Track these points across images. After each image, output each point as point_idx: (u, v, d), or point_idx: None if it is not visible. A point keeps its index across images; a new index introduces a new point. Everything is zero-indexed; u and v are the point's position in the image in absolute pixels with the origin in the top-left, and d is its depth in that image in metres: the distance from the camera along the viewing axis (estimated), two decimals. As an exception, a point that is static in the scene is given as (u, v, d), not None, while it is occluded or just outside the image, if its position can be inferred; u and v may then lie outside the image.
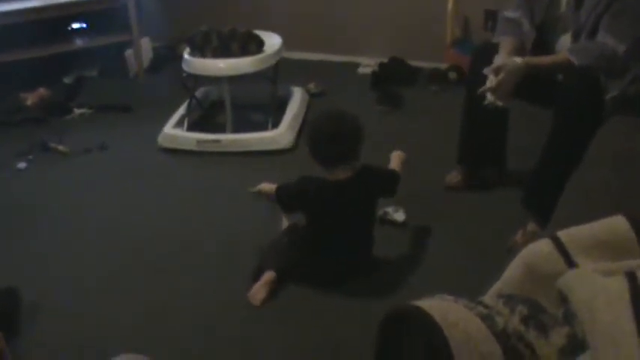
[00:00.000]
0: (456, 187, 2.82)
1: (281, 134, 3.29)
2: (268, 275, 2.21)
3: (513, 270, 1.36)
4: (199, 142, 3.30)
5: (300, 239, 2.29)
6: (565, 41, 2.41)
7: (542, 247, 1.31)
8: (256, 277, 2.23)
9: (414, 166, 3.06)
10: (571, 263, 1.26)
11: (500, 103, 2.37)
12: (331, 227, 2.22)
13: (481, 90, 2.36)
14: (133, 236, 2.64)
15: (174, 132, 3.39)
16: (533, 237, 2.01)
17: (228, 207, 2.82)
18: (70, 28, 4.33)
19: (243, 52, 3.29)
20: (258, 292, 2.18)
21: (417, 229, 2.58)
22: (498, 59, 2.38)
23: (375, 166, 2.31)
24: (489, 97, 2.37)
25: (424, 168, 3.03)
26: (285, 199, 2.30)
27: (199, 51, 3.33)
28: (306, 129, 2.19)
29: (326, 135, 2.15)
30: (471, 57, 2.65)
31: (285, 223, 2.51)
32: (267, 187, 2.44)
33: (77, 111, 3.83)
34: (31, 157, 3.32)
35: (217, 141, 3.30)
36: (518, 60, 2.33)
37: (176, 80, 3.59)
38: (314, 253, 2.24)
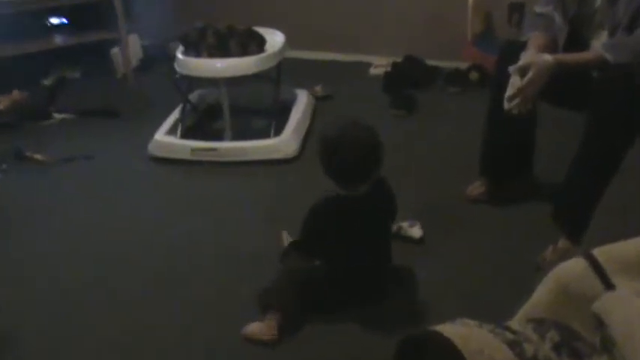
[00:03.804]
0: (478, 200, 2.82)
1: (284, 142, 3.30)
2: (272, 317, 2.17)
3: (543, 292, 1.36)
4: (194, 150, 3.31)
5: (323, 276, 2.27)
6: (601, 37, 2.41)
7: (575, 266, 1.32)
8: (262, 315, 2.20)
9: (431, 176, 3.08)
10: (608, 284, 1.26)
11: (523, 109, 2.37)
12: (354, 246, 2.22)
13: (508, 95, 2.35)
14: (119, 255, 2.64)
15: (166, 139, 3.41)
16: (565, 255, 2.00)
17: (225, 222, 2.82)
18: (48, 24, 4.33)
19: (243, 51, 3.31)
20: (259, 330, 2.16)
21: (435, 246, 2.58)
22: (526, 56, 2.38)
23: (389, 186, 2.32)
24: (507, 103, 2.37)
25: (443, 178, 3.04)
26: (314, 246, 2.27)
27: (194, 50, 3.35)
28: (322, 146, 2.15)
29: (355, 155, 2.11)
30: (497, 55, 2.66)
31: (286, 239, 2.54)
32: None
33: (57, 116, 3.85)
34: (4, 167, 3.32)
35: (214, 149, 3.31)
36: (549, 57, 2.33)
37: (168, 82, 3.60)
38: (336, 281, 2.24)
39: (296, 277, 2.23)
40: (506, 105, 2.37)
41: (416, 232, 2.61)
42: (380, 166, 2.18)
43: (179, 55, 3.38)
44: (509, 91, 2.37)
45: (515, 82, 2.35)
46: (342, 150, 2.12)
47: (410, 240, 2.59)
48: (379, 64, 4.34)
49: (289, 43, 3.57)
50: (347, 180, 2.17)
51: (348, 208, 2.19)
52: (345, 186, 2.17)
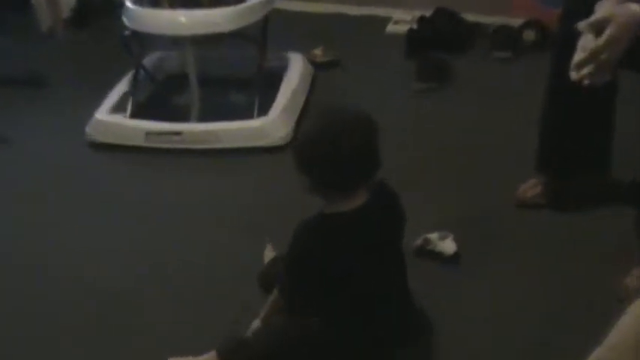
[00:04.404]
0: (533, 204, 2.82)
1: (272, 124, 3.30)
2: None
3: (624, 330, 1.36)
4: (150, 134, 3.31)
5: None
6: None
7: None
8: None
9: (470, 172, 3.08)
10: None
11: (597, 80, 2.35)
12: (367, 280, 2.20)
13: (578, 61, 2.34)
14: (45, 281, 2.62)
15: (111, 119, 3.40)
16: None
17: (192, 233, 2.82)
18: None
19: (216, 0, 3.30)
20: None
21: (474, 265, 2.58)
22: (603, 7, 2.36)
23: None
24: (576, 71, 2.35)
25: (485, 175, 3.04)
26: (304, 290, 2.22)
27: (149, -2, 3.35)
28: (308, 150, 2.10)
29: (352, 150, 2.09)
30: (562, 7, 2.64)
31: (269, 253, 2.56)
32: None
33: (-41, 86, 3.86)
34: None
35: (177, 133, 3.31)
36: (636, 7, 2.30)
37: (113, 41, 3.59)
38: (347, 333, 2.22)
39: (280, 337, 2.22)
40: (573, 74, 2.35)
41: (448, 246, 2.60)
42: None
43: (129, 4, 3.35)
44: (579, 56, 2.34)
45: (587, 43, 2.33)
46: (337, 149, 2.08)
47: (440, 257, 2.59)
48: (401, 20, 4.34)
49: (279, -11, 3.58)
50: (344, 186, 2.15)
51: (353, 224, 2.17)
52: (342, 194, 2.16)
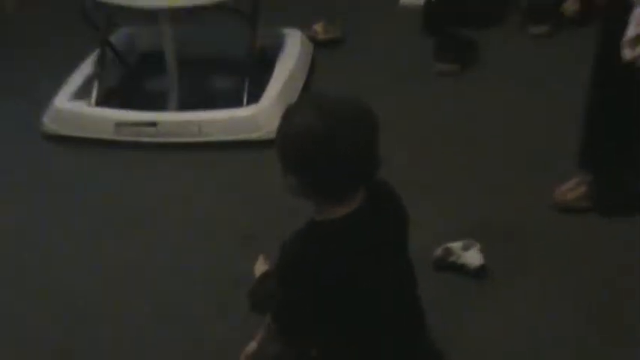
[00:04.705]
0: (575, 207, 2.83)
1: (265, 113, 3.31)
2: None
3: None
4: (120, 125, 3.33)
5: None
6: None
7: None
8: None
9: (499, 171, 3.08)
10: None
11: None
12: (365, 290, 2.22)
13: (630, 37, 2.36)
14: (26, 287, 2.68)
15: (73, 107, 3.43)
16: None
17: (167, 242, 2.85)
18: None
19: (197, -35, 3.33)
20: None
21: (504, 280, 2.59)
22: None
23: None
24: (628, 50, 2.37)
25: (518, 173, 3.06)
26: (302, 312, 2.27)
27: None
28: (297, 138, 2.06)
29: (352, 149, 2.10)
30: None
31: (260, 267, 2.60)
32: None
33: None
34: None
35: (152, 124, 3.33)
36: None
37: (74, 14, 3.60)
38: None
39: None
40: (627, 53, 2.37)
41: (473, 257, 2.62)
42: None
43: (92, -29, 3.39)
44: (633, 31, 2.37)
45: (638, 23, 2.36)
46: (335, 146, 2.06)
47: (464, 270, 2.60)
48: (417, -10, 4.36)
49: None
50: (341, 191, 2.16)
51: (347, 231, 2.17)
52: (336, 198, 2.17)
